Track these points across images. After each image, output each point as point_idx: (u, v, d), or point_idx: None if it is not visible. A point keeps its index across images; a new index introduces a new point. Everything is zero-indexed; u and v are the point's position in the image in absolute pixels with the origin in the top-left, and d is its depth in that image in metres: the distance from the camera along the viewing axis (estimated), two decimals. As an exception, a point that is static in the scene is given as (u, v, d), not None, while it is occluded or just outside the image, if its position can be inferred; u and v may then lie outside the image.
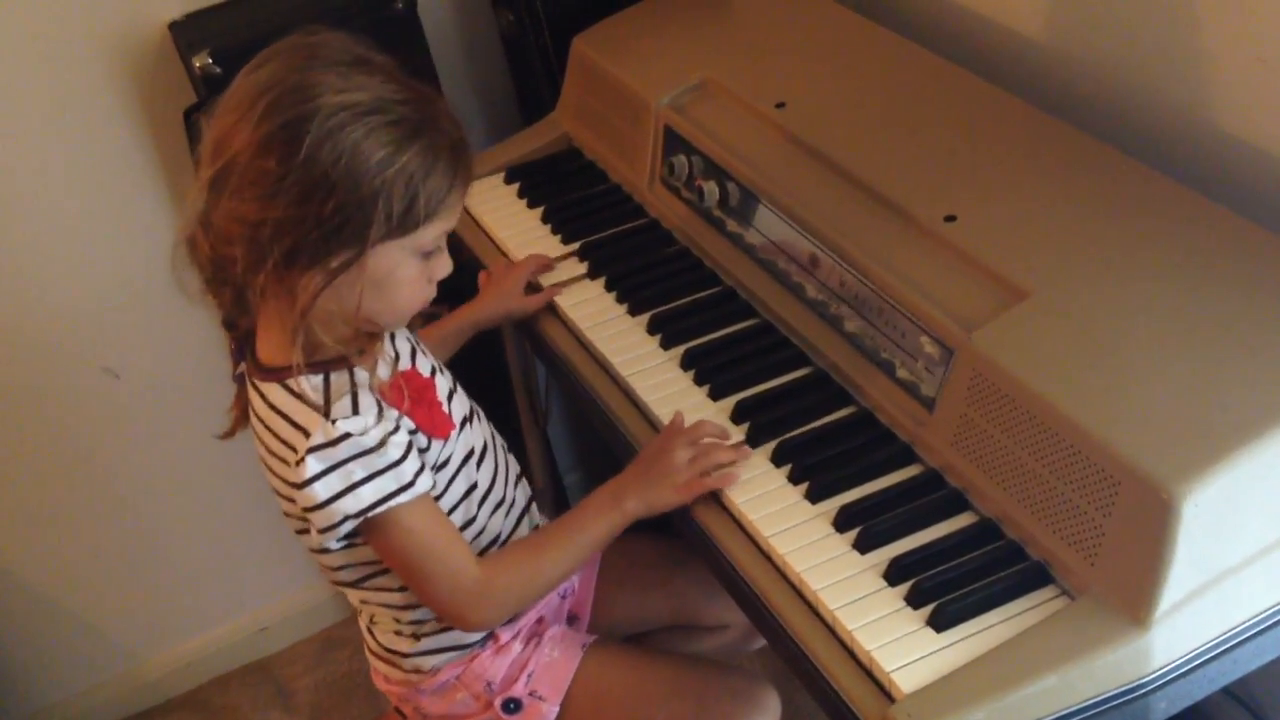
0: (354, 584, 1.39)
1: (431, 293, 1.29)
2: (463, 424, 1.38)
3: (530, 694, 1.45)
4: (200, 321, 2.05)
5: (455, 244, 1.68)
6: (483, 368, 1.67)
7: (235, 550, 2.31)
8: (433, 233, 1.23)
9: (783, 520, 1.27)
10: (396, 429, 1.26)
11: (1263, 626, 1.12)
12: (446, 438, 1.34)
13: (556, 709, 1.45)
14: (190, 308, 1.30)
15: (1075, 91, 1.58)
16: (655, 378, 1.48)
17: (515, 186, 1.84)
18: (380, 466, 1.24)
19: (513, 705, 1.45)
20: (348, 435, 1.23)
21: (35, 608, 2.20)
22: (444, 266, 1.28)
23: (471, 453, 1.39)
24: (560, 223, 1.75)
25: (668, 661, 1.54)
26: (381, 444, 1.24)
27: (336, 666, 2.37)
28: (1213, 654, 1.10)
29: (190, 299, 1.29)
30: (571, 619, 1.59)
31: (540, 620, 1.51)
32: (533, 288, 1.65)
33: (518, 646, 1.47)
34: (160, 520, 2.23)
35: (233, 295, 1.26)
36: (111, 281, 2.02)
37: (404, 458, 1.26)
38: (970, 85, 1.58)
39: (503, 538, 1.44)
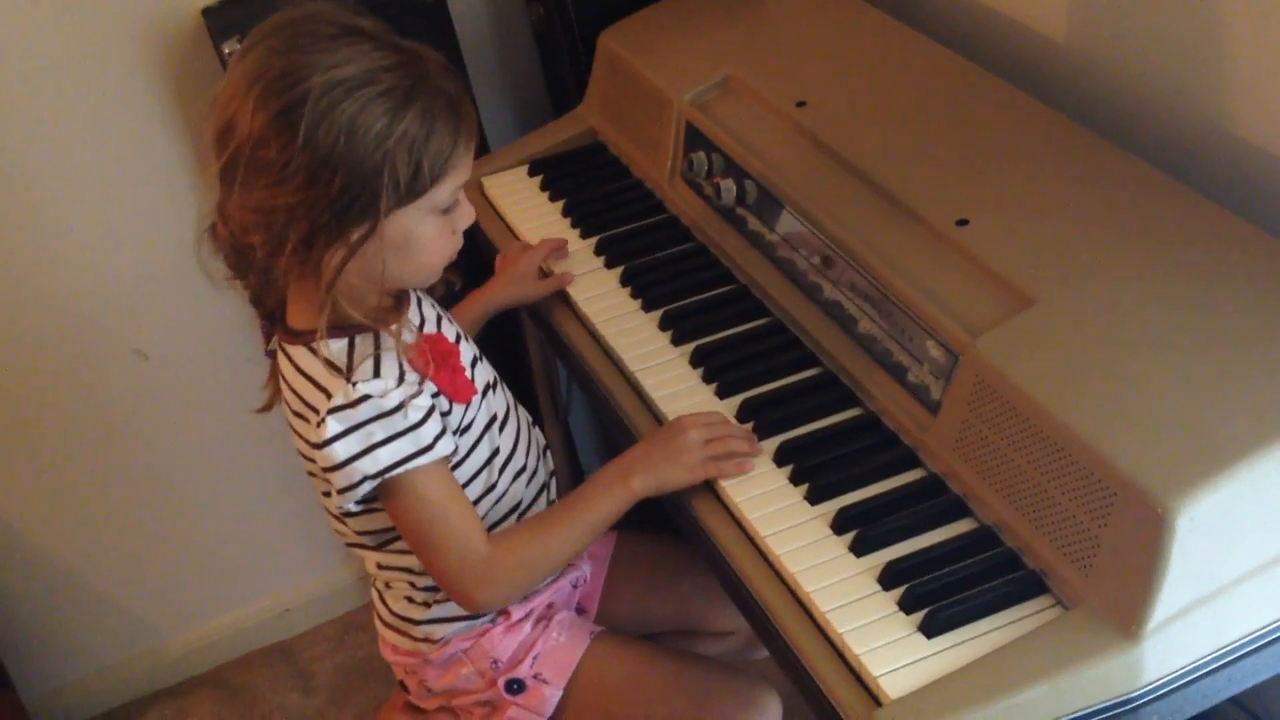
0: (375, 547, 1.40)
1: (458, 243, 1.30)
2: (485, 390, 1.39)
3: (534, 676, 1.46)
4: (228, 305, 2.06)
5: (477, 234, 1.70)
6: (504, 361, 1.67)
7: (259, 532, 2.34)
8: (445, 191, 1.24)
9: (781, 520, 1.27)
10: (418, 392, 1.27)
11: (1259, 644, 1.11)
12: (468, 402, 1.35)
13: (559, 693, 1.45)
14: (218, 292, 1.32)
15: (1098, 96, 1.56)
16: (663, 374, 1.48)
17: (538, 179, 1.84)
18: (400, 429, 1.25)
19: (516, 686, 1.46)
20: (367, 397, 1.24)
21: (59, 585, 2.23)
22: (466, 215, 1.29)
23: (494, 418, 1.40)
24: (580, 216, 1.75)
25: (672, 657, 1.54)
26: (401, 406, 1.25)
27: (357, 650, 2.39)
28: (1206, 670, 1.09)
29: (217, 286, 1.31)
30: (580, 611, 1.59)
31: (551, 605, 1.51)
32: (547, 275, 1.66)
33: (527, 627, 1.47)
34: (186, 501, 2.26)
35: (258, 277, 1.29)
36: (142, 265, 2.04)
37: (424, 421, 1.27)
38: (991, 87, 1.56)
39: (523, 505, 1.45)
